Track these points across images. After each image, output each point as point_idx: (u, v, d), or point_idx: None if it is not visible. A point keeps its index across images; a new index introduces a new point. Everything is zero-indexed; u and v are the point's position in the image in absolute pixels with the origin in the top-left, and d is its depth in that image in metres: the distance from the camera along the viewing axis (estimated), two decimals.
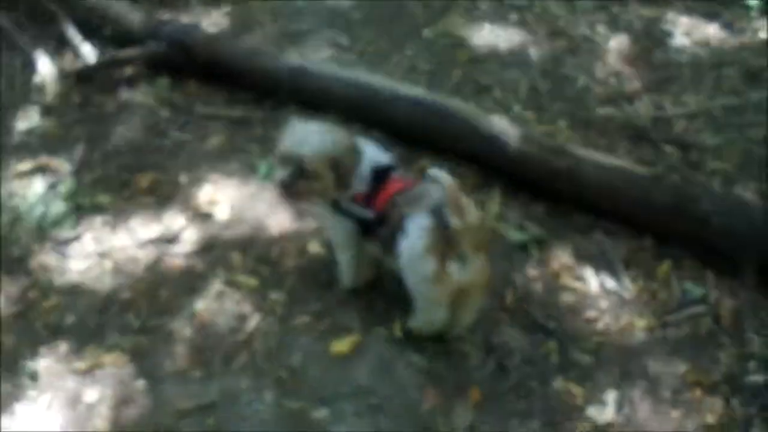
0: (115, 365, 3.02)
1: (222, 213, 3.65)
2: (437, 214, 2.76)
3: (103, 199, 3.67)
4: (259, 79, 4.26)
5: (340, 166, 2.88)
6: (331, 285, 3.29)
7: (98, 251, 3.45)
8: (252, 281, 3.33)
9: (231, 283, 3.33)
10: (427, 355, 3.06)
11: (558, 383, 2.98)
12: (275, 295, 3.28)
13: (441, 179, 2.79)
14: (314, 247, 3.47)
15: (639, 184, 3.54)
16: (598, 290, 3.34)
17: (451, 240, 2.75)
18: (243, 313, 3.21)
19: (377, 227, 2.95)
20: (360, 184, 2.94)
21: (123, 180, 3.77)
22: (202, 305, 3.24)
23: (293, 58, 4.31)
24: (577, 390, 2.96)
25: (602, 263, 3.47)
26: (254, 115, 4.19)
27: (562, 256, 3.49)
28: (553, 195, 3.72)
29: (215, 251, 3.47)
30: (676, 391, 2.99)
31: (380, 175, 2.95)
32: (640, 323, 3.20)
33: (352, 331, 3.14)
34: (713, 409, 2.94)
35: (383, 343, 3.10)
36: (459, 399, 2.93)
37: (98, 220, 3.58)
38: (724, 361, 3.09)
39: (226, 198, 3.73)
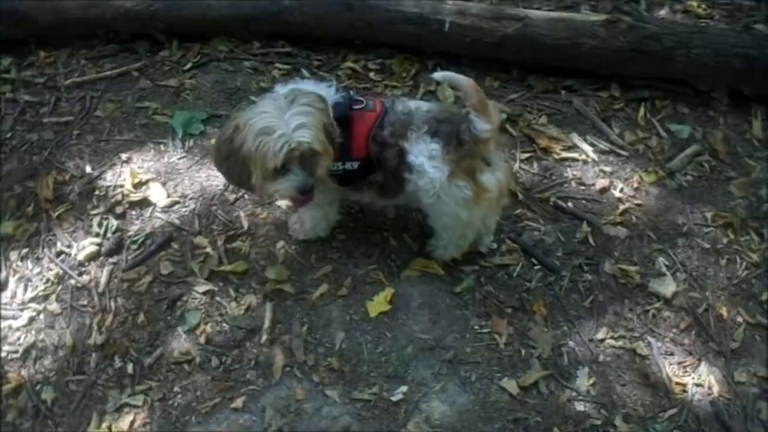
0: (136, 429, 2.37)
1: (157, 194, 2.93)
2: (442, 132, 2.37)
3: (7, 227, 2.79)
4: (120, 23, 3.38)
5: (331, 130, 2.33)
6: (323, 240, 2.78)
7: (34, 295, 2.65)
8: (240, 266, 2.71)
9: (216, 276, 2.70)
10: (470, 281, 2.70)
11: (609, 267, 2.75)
12: (273, 273, 2.69)
13: (457, 81, 2.37)
14: (283, 203, 2.88)
15: (593, 32, 3.24)
16: (594, 155, 3.11)
17: (473, 150, 2.36)
18: (250, 308, 2.62)
19: (366, 174, 2.46)
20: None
21: (19, 196, 2.89)
22: (196, 315, 2.61)
23: None
24: (630, 269, 2.75)
25: (585, 125, 3.22)
26: (131, 66, 3.35)
27: (543, 129, 3.18)
28: (504, 64, 3.39)
29: (176, 243, 2.80)
30: (714, 238, 2.88)
31: (344, 116, 2.40)
32: (650, 178, 3.01)
33: (378, 283, 2.69)
34: (753, 247, 2.86)
35: (417, 285, 2.69)
36: (527, 319, 2.61)
37: (13, 255, 2.73)
38: (738, 195, 3.00)
39: (152, 174, 2.99)
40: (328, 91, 2.42)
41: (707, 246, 2.84)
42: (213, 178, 2.95)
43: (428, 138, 2.34)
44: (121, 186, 2.93)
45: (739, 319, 2.65)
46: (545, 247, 2.80)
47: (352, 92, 2.49)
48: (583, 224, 2.86)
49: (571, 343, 2.57)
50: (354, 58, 3.43)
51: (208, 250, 2.76)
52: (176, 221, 2.84)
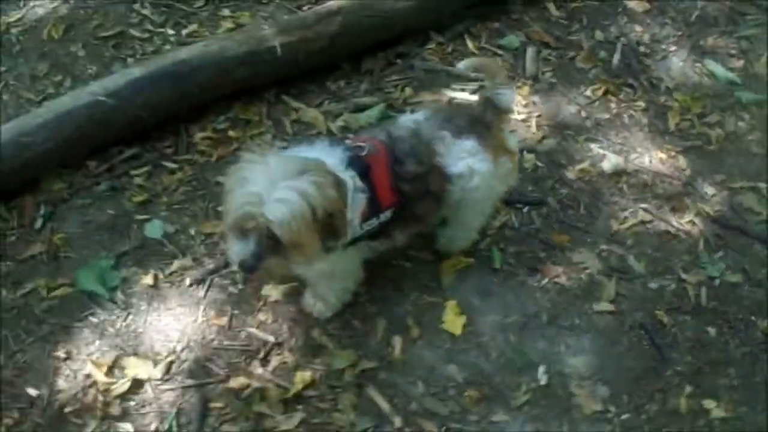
0: None
1: (141, 367, 2.53)
2: (463, 127, 2.40)
3: None
4: None
5: (334, 218, 2.09)
6: (348, 303, 2.67)
7: None
8: (304, 378, 2.51)
9: (292, 403, 2.48)
10: (496, 253, 2.86)
11: (571, 174, 3.13)
12: (342, 361, 2.56)
13: (481, 64, 2.46)
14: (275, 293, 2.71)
15: None
16: (474, 97, 3.34)
17: (498, 124, 2.48)
18: (355, 406, 2.47)
19: (399, 218, 2.36)
20: (355, 204, 2.22)
21: None
22: None
23: None
24: (584, 166, 3.15)
25: (441, 78, 3.45)
26: None
27: (418, 99, 3.36)
28: (333, 64, 3.44)
29: (215, 401, 2.47)
30: (606, 108, 3.41)
31: (363, 170, 2.25)
32: (525, 91, 3.43)
33: (432, 306, 2.72)
34: (633, 97, 3.45)
35: (462, 285, 2.77)
36: (561, 252, 2.89)
37: None
38: (589, 66, 3.53)
39: (113, 352, 2.57)
40: (335, 152, 2.24)
41: (607, 116, 3.34)
42: (182, 316, 2.66)
43: (458, 140, 2.37)
44: (91, 385, 2.49)
45: (672, 154, 3.18)
46: (516, 189, 3.00)
47: (346, 141, 2.35)
48: (523, 154, 3.10)
49: (604, 247, 2.89)
50: (200, 128, 3.19)
51: (255, 384, 2.52)
52: (190, 381, 2.52)
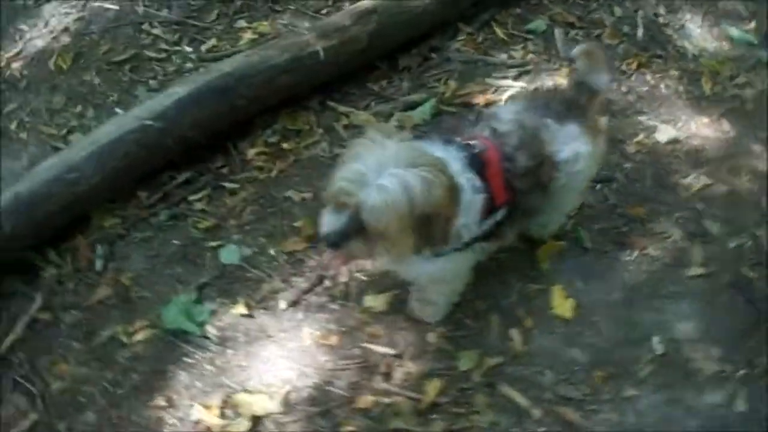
0: None
1: (256, 403, 2.46)
2: (561, 113, 2.43)
3: None
4: None
5: (433, 221, 2.04)
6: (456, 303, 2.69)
7: None
8: (434, 385, 2.52)
9: (431, 413, 2.47)
10: (583, 233, 2.92)
11: (630, 148, 3.21)
12: (466, 363, 2.58)
13: (588, 48, 2.52)
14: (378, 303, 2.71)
15: None
16: (518, 83, 3.47)
17: (593, 106, 2.53)
18: (493, 405, 2.49)
19: (512, 214, 2.38)
20: (474, 205, 2.22)
21: None
22: None
23: None
24: (640, 138, 3.25)
25: (480, 68, 3.52)
26: (31, 312, 2.65)
27: (466, 90, 3.42)
28: (370, 65, 3.46)
29: (346, 425, 2.43)
30: (643, 81, 3.52)
31: (479, 169, 2.23)
32: (564, 73, 3.45)
33: (537, 293, 2.77)
34: (664, 66, 3.56)
35: (559, 269, 2.82)
36: (641, 224, 2.98)
37: None
38: (615, 42, 3.66)
39: (219, 393, 2.51)
40: (452, 152, 2.21)
41: (646, 88, 3.50)
42: (286, 342, 2.63)
43: (561, 126, 2.40)
44: (205, 431, 2.42)
45: (714, 117, 3.33)
46: None
47: (457, 139, 2.34)
48: None
49: (678, 214, 3.01)
50: (249, 144, 3.17)
51: (383, 400, 2.50)
52: (313, 409, 2.48)
